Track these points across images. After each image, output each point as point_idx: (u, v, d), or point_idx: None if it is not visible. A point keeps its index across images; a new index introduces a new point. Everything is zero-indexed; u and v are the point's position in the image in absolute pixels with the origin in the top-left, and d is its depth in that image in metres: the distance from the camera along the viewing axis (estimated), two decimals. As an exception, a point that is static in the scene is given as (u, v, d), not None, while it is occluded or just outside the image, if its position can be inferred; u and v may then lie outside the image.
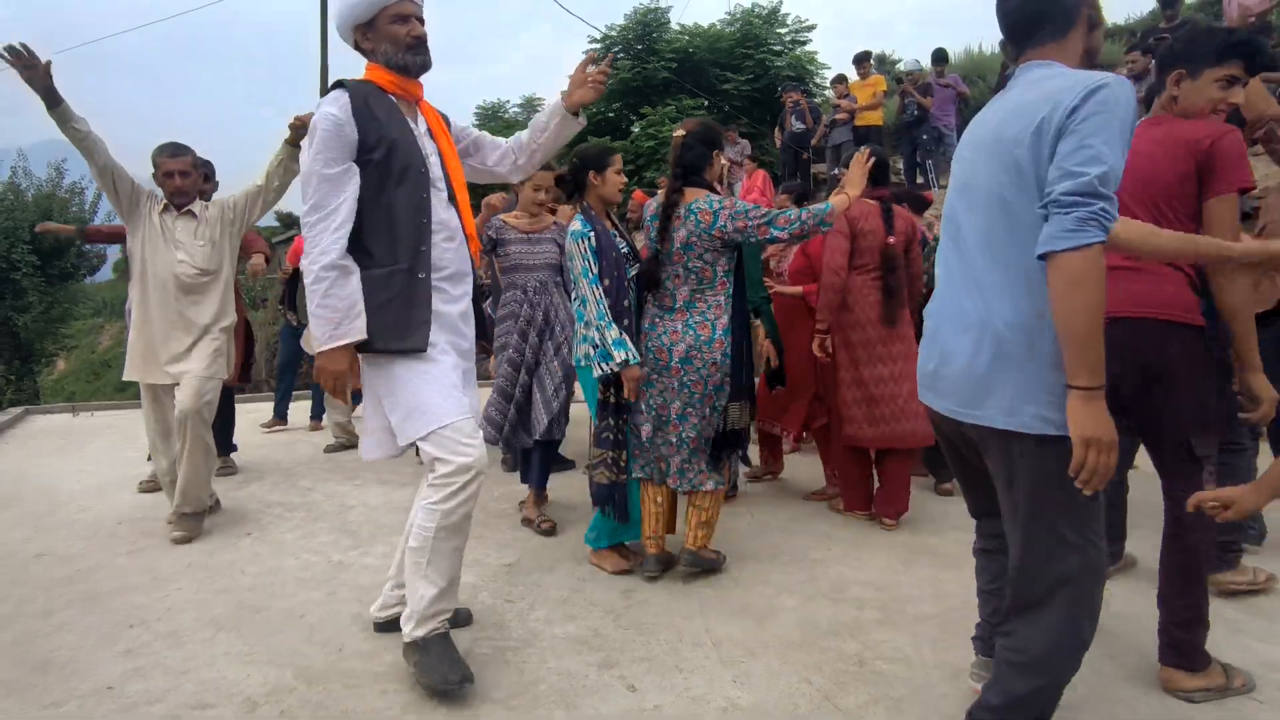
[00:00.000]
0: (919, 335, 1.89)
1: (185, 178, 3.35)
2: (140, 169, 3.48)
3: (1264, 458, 2.76)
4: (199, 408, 3.23)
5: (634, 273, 2.84)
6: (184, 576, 2.90)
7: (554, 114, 2.30)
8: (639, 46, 13.38)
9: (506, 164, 2.40)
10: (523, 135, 2.38)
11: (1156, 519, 2.12)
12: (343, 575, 2.90)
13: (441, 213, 2.09)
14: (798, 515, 3.60)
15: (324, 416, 5.75)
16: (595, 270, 2.70)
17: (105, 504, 3.88)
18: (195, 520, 3.29)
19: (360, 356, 2.05)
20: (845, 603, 2.61)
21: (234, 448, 4.65)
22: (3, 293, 14.13)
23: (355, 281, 1.98)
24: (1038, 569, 1.52)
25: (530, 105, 15.17)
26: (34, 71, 2.83)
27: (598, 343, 2.69)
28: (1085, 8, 1.58)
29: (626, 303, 2.78)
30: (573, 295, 2.89)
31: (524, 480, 3.58)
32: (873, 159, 2.89)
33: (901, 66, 10.28)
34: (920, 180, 8.56)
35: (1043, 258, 1.37)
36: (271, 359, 8.46)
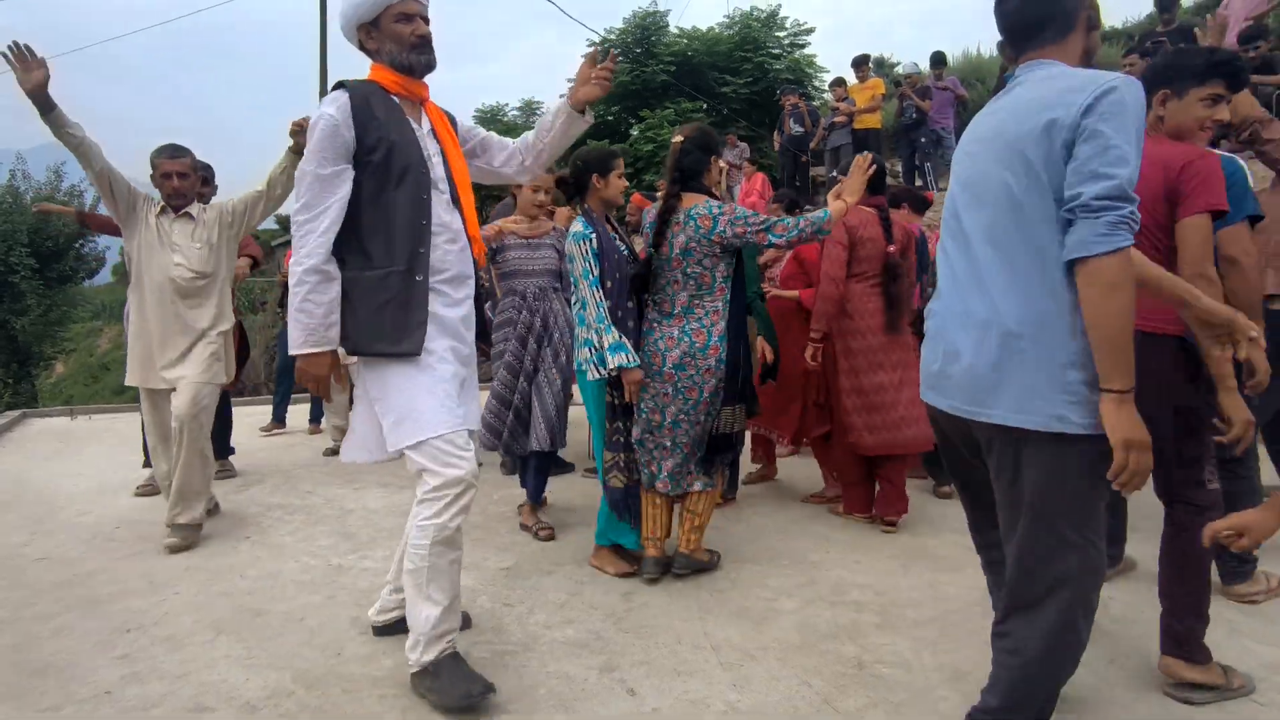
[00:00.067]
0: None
1: (184, 179, 3.34)
2: (140, 173, 3.48)
3: (1265, 463, 2.77)
4: (195, 414, 3.21)
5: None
6: (182, 580, 2.89)
7: (560, 112, 2.27)
8: (638, 49, 13.39)
9: (514, 164, 2.38)
10: (529, 135, 2.36)
11: (1156, 520, 2.13)
12: (342, 579, 2.90)
13: (443, 214, 2.07)
14: (796, 518, 3.60)
15: (323, 420, 5.75)
16: (596, 272, 2.71)
17: (104, 507, 3.88)
18: (191, 530, 3.25)
19: (357, 358, 2.05)
20: (844, 606, 2.61)
21: (232, 450, 4.65)
22: (1, 295, 14.13)
23: (335, 289, 1.98)
24: (1037, 568, 1.52)
25: (529, 108, 15.18)
26: (35, 73, 2.82)
27: (596, 345, 2.69)
28: (1085, 10, 1.59)
29: (631, 304, 2.79)
30: (573, 298, 2.89)
31: (523, 484, 3.58)
32: (874, 166, 2.89)
33: (900, 69, 10.31)
34: (919, 183, 8.58)
35: (1072, 262, 1.38)
36: (270, 362, 8.45)
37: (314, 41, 12.37)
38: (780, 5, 13.86)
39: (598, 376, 2.76)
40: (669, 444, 2.75)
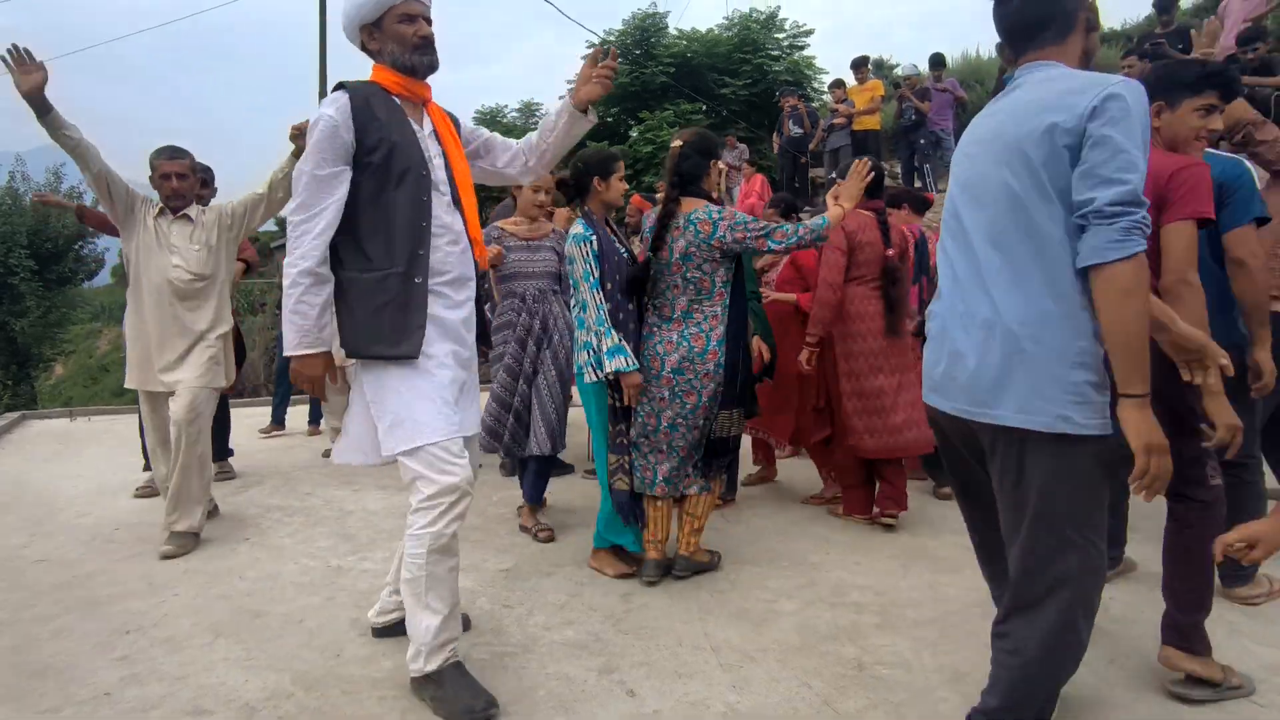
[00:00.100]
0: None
1: (182, 180, 3.33)
2: (140, 174, 3.48)
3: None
4: (193, 419, 3.20)
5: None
6: (182, 582, 2.89)
7: (562, 112, 2.26)
8: (637, 51, 13.41)
9: (517, 165, 2.37)
10: (532, 136, 2.34)
11: (1156, 521, 2.14)
12: (341, 580, 2.90)
13: (444, 216, 2.06)
14: (796, 519, 3.60)
15: (322, 422, 5.75)
16: (597, 275, 2.71)
17: (103, 509, 3.87)
18: (188, 538, 3.23)
19: (354, 360, 2.04)
20: (844, 607, 2.61)
21: (230, 452, 4.65)
22: (0, 297, 14.11)
23: (329, 291, 1.97)
24: (1038, 569, 1.52)
25: (529, 110, 15.19)
26: (33, 76, 2.81)
27: (595, 348, 2.70)
28: (1084, 11, 1.59)
29: (631, 306, 2.79)
30: (572, 300, 2.89)
31: (521, 486, 3.57)
32: (872, 173, 2.90)
33: (899, 71, 10.33)
34: (918, 184, 8.59)
35: (1086, 268, 1.39)
36: (270, 364, 8.45)
37: (314, 42, 12.38)
38: (779, 7, 13.89)
39: (594, 379, 2.76)
40: (664, 448, 2.75)
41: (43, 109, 2.87)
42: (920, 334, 3.70)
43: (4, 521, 3.69)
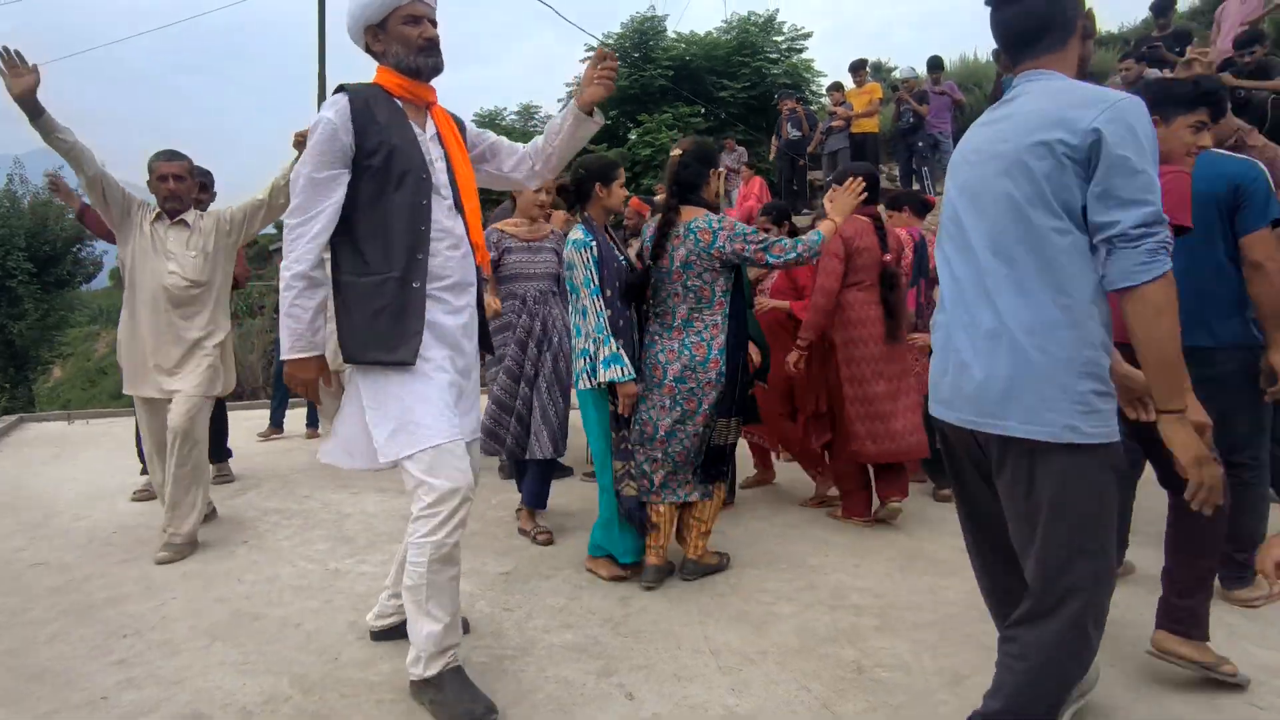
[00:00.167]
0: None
1: (180, 181, 3.30)
2: (139, 174, 3.45)
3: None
4: (190, 428, 3.17)
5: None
6: (179, 585, 2.88)
7: (568, 115, 2.24)
8: (636, 54, 13.44)
9: (523, 169, 2.35)
10: (538, 140, 2.32)
11: (1156, 527, 2.14)
12: (339, 583, 2.89)
13: (444, 220, 2.04)
14: (795, 522, 3.59)
15: (319, 424, 5.74)
16: (597, 281, 2.71)
17: (100, 512, 3.86)
18: (185, 545, 3.21)
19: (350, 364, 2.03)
20: (843, 609, 2.60)
21: (229, 453, 4.63)
22: (-2, 300, 14.09)
23: (322, 295, 1.97)
24: (1052, 577, 1.51)
25: (528, 112, 15.21)
26: (24, 79, 2.78)
27: (592, 355, 2.70)
28: (1081, 18, 1.59)
29: (630, 314, 2.79)
30: (571, 305, 2.89)
31: (520, 488, 3.57)
32: (865, 192, 2.92)
33: (897, 74, 10.36)
34: (916, 187, 8.60)
35: (1118, 291, 1.41)
36: (268, 367, 8.44)
37: (313, 43, 12.38)
38: (778, 10, 13.93)
39: (588, 386, 2.77)
40: (660, 455, 2.76)
41: (35, 112, 2.85)
42: (917, 329, 3.72)
43: (1, 524, 3.68)
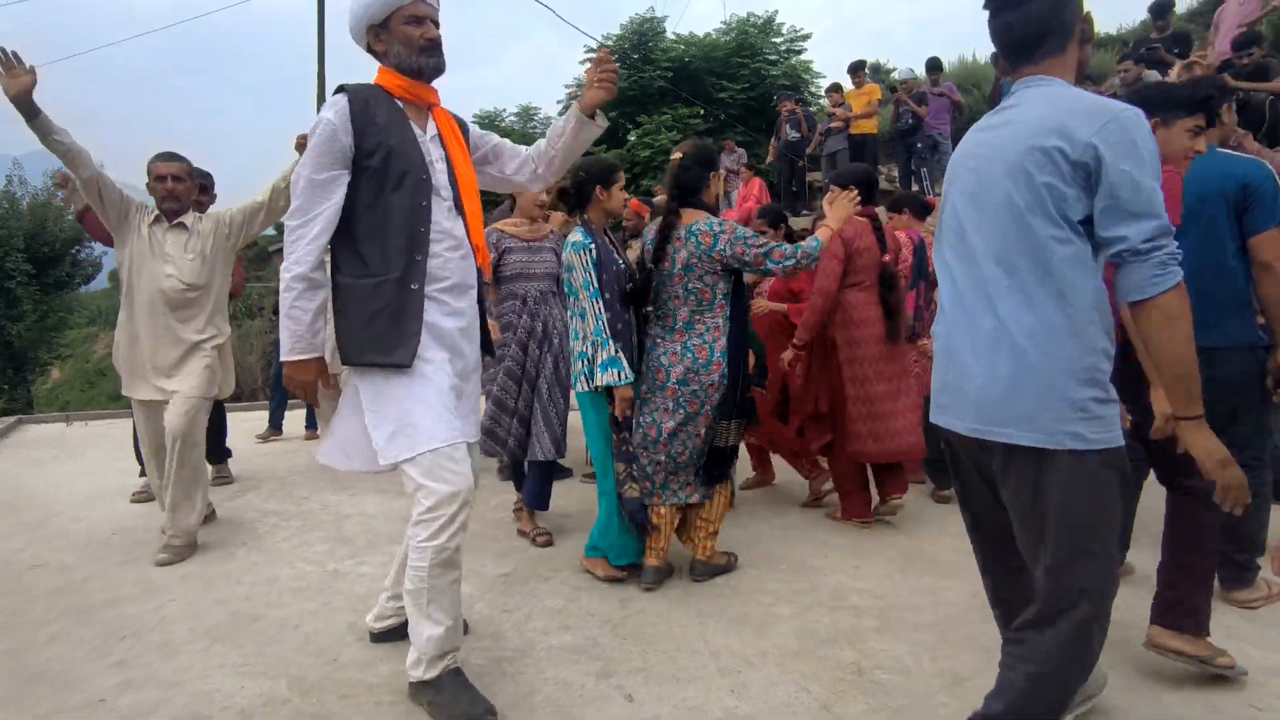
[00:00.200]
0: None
1: (178, 181, 3.28)
2: (139, 175, 3.44)
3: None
4: (188, 430, 3.16)
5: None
6: (178, 587, 2.88)
7: (570, 118, 2.23)
8: (635, 56, 13.46)
9: (526, 172, 2.34)
10: (541, 143, 2.31)
11: (1156, 525, 2.16)
12: (338, 585, 2.89)
13: (444, 221, 2.03)
14: (794, 523, 3.59)
15: (318, 427, 5.74)
16: (596, 283, 2.71)
17: (99, 514, 3.86)
18: (184, 548, 3.21)
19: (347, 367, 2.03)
20: (843, 611, 2.60)
21: (229, 453, 4.62)
22: (-3, 301, 14.07)
23: (322, 296, 1.96)
24: (1059, 582, 1.52)
25: (527, 114, 15.22)
26: (21, 79, 2.76)
27: (590, 358, 2.70)
28: (1080, 23, 1.59)
29: (629, 317, 2.80)
30: (569, 307, 2.89)
31: (518, 488, 3.56)
32: (859, 200, 2.93)
33: (896, 75, 10.36)
34: (915, 188, 8.61)
35: (1131, 303, 1.44)
36: (267, 369, 8.43)
37: (312, 43, 12.38)
38: (777, 11, 13.96)
39: (586, 389, 2.77)
40: (663, 458, 2.76)
41: (31, 112, 2.83)
42: (914, 339, 3.73)
43: (0, 526, 3.67)
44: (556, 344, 3.36)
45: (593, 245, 2.75)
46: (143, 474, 4.05)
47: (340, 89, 2.02)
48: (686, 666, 2.23)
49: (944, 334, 1.68)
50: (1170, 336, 1.41)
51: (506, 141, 2.35)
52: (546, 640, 2.41)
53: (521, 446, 3.28)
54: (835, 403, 3.49)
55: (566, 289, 2.83)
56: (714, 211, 2.82)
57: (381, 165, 1.95)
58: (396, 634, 2.32)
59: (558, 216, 3.90)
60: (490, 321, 3.27)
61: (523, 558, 3.16)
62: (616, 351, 2.66)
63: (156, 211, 3.30)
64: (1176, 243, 1.41)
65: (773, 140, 9.91)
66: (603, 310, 2.69)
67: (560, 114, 2.32)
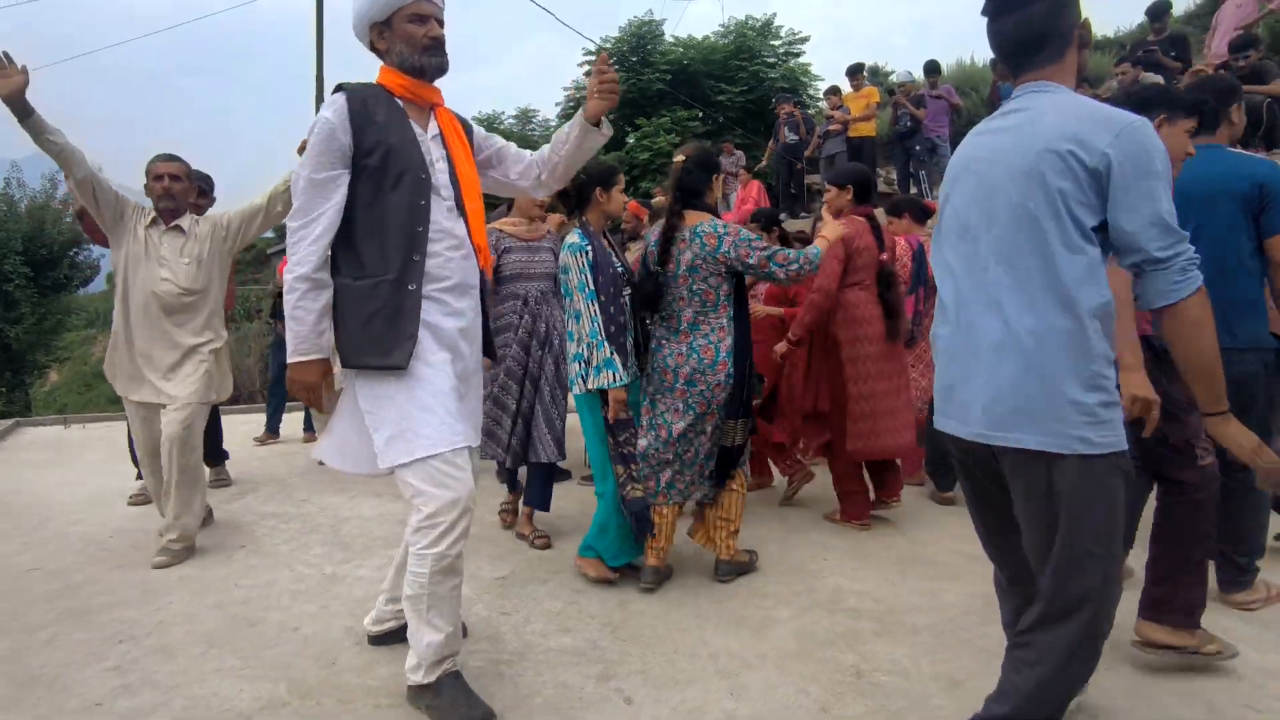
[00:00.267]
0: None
1: (175, 181, 3.26)
2: (138, 175, 3.43)
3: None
4: (186, 435, 3.15)
5: (629, 292, 2.87)
6: (176, 590, 2.87)
7: (574, 126, 2.20)
8: (634, 58, 13.48)
9: (529, 178, 2.31)
10: (545, 149, 2.29)
11: (1148, 529, 2.17)
12: (336, 588, 2.88)
13: (444, 221, 2.01)
14: (793, 526, 3.59)
15: (315, 430, 5.73)
16: (592, 285, 2.71)
17: (97, 517, 3.85)
18: (183, 551, 3.20)
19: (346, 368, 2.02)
20: (842, 613, 2.60)
21: (226, 455, 4.61)
22: (-5, 304, 14.06)
23: (326, 297, 1.95)
24: (1067, 583, 1.52)
25: (525, 116, 15.24)
26: (13, 80, 2.75)
27: (586, 360, 2.70)
28: (1079, 28, 1.60)
29: (623, 319, 2.80)
30: (566, 309, 2.89)
31: (512, 490, 3.56)
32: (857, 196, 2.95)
33: (895, 78, 10.38)
34: (914, 190, 8.62)
35: (1155, 310, 1.47)
36: (264, 371, 8.42)
37: (311, 43, 12.37)
38: (775, 14, 13.98)
39: (583, 391, 2.77)
40: (670, 457, 2.77)
41: (23, 113, 2.82)
42: (912, 343, 3.74)
43: (-3, 529, 3.66)
44: (557, 345, 3.36)
45: (589, 247, 2.75)
46: (140, 477, 4.04)
47: (339, 88, 2.01)
48: (685, 669, 2.23)
49: (945, 335, 1.68)
50: (1195, 339, 1.45)
51: (511, 145, 2.34)
52: (545, 643, 2.40)
53: (523, 448, 3.28)
54: (836, 401, 3.50)
55: (563, 290, 2.84)
56: (714, 214, 2.83)
57: (380, 164, 1.94)
58: (395, 637, 2.31)
59: (556, 218, 3.91)
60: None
61: (521, 560, 3.16)
62: (611, 353, 2.66)
63: (153, 213, 3.27)
64: (1193, 248, 1.43)
65: (771, 143, 9.92)
66: (598, 312, 2.69)
67: (559, 118, 2.30)
